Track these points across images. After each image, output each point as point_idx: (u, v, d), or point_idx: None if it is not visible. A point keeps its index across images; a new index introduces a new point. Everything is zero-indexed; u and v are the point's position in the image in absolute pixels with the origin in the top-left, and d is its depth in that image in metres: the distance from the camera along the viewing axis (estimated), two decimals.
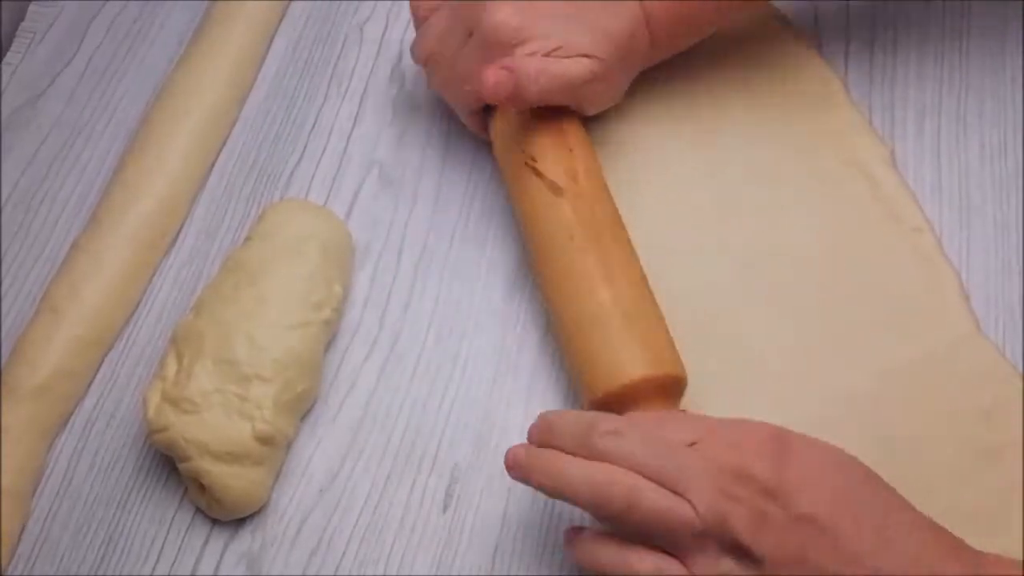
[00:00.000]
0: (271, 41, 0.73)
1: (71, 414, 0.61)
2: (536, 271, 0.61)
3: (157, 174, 0.66)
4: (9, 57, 0.73)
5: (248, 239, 0.63)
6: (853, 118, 0.67)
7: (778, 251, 0.63)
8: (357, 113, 0.70)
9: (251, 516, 0.58)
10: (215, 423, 0.56)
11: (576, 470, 0.50)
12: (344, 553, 0.57)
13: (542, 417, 0.53)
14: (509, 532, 0.57)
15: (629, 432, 0.50)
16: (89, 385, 0.62)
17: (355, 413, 0.61)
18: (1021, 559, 0.53)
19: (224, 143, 0.69)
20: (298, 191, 0.68)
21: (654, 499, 0.48)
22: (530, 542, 0.57)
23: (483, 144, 0.67)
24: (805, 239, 0.63)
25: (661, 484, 0.49)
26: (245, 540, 0.58)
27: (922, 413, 0.58)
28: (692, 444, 0.50)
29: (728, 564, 0.48)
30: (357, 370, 0.62)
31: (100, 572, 0.57)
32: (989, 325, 0.61)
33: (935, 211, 0.64)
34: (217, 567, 0.57)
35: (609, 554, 0.50)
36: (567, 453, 0.51)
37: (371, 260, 0.65)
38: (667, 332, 0.57)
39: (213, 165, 0.69)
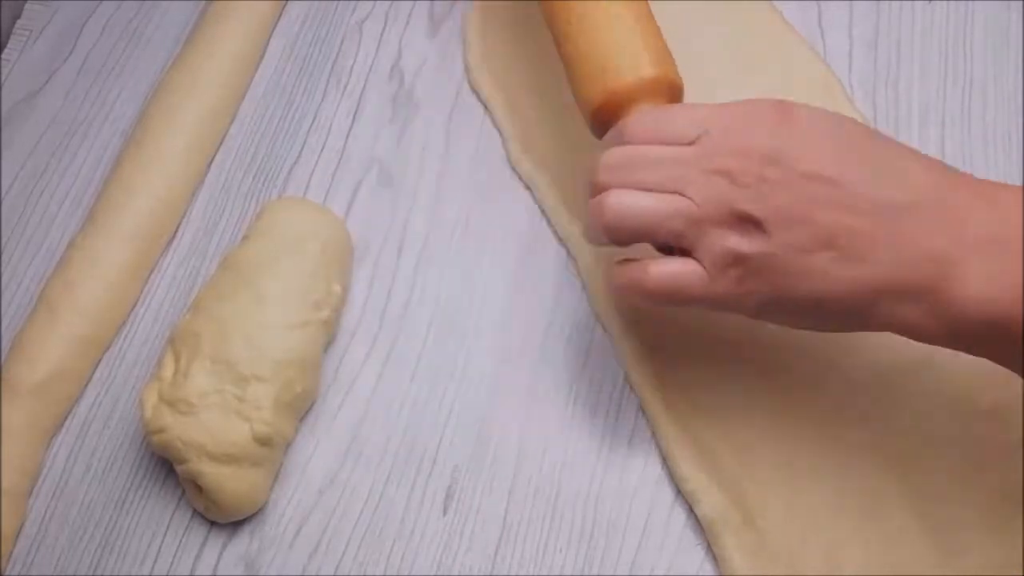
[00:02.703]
0: (269, 39, 0.73)
1: (68, 414, 0.61)
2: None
3: (154, 172, 0.65)
4: (6, 54, 0.73)
5: (246, 238, 0.62)
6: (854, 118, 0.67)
7: None
8: (356, 111, 0.70)
9: (249, 517, 0.58)
10: (213, 424, 0.56)
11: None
12: (343, 555, 0.57)
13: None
14: (510, 534, 0.57)
15: (621, 160, 0.51)
16: (86, 385, 0.62)
17: (354, 413, 0.60)
18: (1021, 552, 0.53)
19: (222, 141, 0.69)
20: (296, 189, 0.67)
21: (644, 204, 0.50)
22: (531, 543, 0.57)
23: (483, 144, 0.68)
24: None
25: (663, 191, 0.50)
26: (243, 541, 0.57)
27: (924, 414, 0.58)
28: (696, 139, 0.50)
29: (733, 239, 0.48)
30: (356, 370, 0.62)
31: (97, 573, 0.57)
32: None
33: None
34: (215, 568, 0.57)
35: (627, 272, 0.51)
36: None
37: (370, 259, 0.65)
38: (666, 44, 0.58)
39: (211, 163, 0.68)
